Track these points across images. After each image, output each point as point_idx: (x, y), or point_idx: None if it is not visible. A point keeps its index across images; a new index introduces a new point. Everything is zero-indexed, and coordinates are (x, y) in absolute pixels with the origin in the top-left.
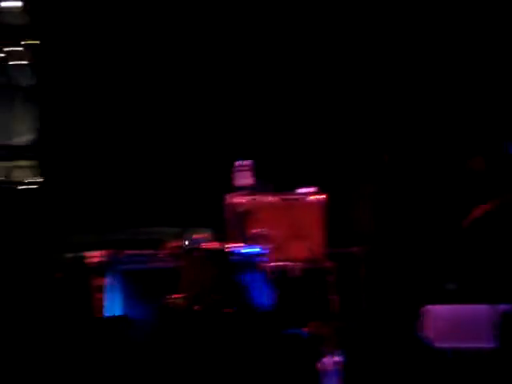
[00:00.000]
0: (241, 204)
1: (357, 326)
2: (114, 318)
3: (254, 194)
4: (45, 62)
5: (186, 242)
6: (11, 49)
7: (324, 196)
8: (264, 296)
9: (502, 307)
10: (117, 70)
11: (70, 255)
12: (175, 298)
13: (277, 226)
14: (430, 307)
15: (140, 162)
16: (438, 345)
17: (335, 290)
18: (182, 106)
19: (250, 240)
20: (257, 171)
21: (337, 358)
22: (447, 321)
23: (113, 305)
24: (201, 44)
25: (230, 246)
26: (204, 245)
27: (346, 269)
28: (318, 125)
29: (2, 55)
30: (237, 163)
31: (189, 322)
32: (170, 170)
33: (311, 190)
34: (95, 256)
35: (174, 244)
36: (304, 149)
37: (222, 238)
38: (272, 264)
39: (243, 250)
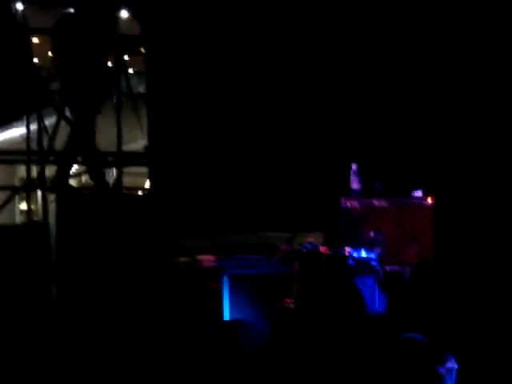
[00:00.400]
0: (355, 208)
1: (468, 331)
2: (228, 322)
3: (367, 198)
4: (156, 70)
5: (300, 247)
6: (123, 57)
7: (432, 200)
8: (377, 300)
9: None
10: (227, 75)
11: (183, 259)
12: (288, 302)
13: (389, 230)
14: None
15: (251, 166)
16: None
17: (444, 295)
18: (294, 106)
19: (364, 244)
20: (368, 175)
21: (450, 364)
22: None
23: (227, 309)
24: (313, 49)
25: (347, 250)
26: (321, 248)
27: (456, 273)
28: (425, 130)
29: (112, 64)
30: (352, 166)
31: (302, 325)
32: (281, 173)
33: (421, 193)
34: (208, 260)
35: (287, 248)
36: (414, 153)
37: (334, 241)
38: (383, 268)
39: (360, 254)
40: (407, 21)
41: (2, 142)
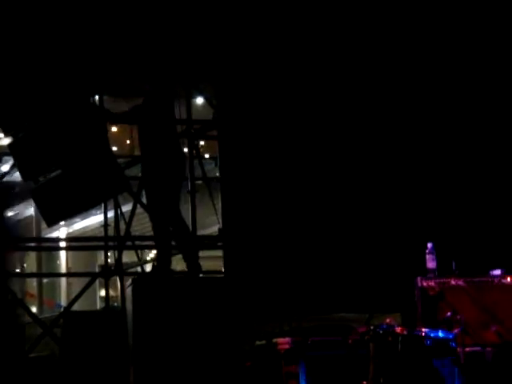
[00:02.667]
0: (431, 287)
1: None
2: None
3: (444, 277)
4: (229, 154)
5: (376, 327)
6: (197, 143)
7: None
8: (456, 382)
9: None
10: (299, 155)
11: (259, 343)
12: None
13: (467, 309)
14: None
15: (326, 249)
16: None
17: None
18: (368, 186)
19: (442, 324)
20: (444, 253)
21: None
22: None
23: None
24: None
25: (423, 331)
26: (397, 329)
27: None
28: (502, 206)
29: (187, 150)
30: (428, 245)
31: None
32: (356, 254)
33: (500, 272)
34: (285, 343)
35: (363, 329)
36: (491, 230)
37: (411, 322)
38: (463, 349)
39: (437, 334)
40: None
41: (82, 229)
